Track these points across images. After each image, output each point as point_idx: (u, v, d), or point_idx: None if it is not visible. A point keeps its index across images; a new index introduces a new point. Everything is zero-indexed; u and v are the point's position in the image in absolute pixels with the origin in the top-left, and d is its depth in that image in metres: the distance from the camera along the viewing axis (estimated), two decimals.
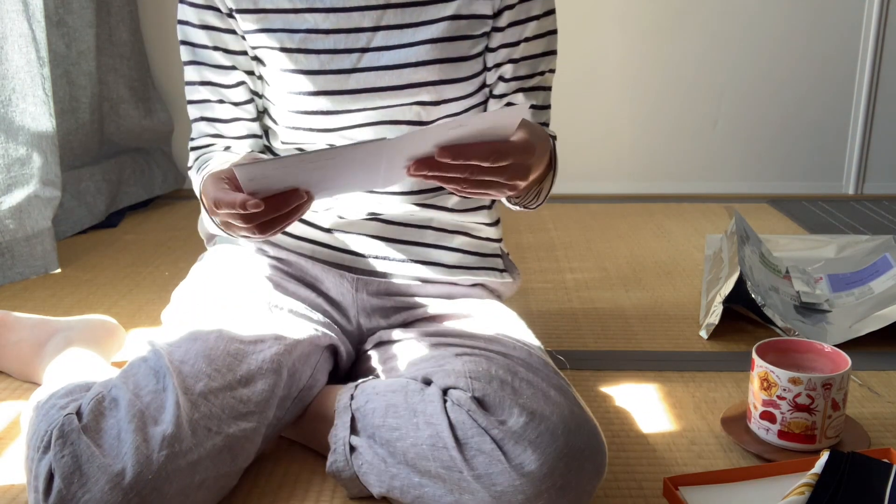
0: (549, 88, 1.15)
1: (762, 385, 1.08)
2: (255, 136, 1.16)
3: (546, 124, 1.16)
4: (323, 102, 1.06)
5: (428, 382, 0.96)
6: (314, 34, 1.05)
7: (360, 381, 1.03)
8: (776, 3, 2.36)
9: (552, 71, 1.14)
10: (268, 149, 1.18)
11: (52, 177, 1.82)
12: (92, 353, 1.23)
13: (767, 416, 1.08)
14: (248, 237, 0.89)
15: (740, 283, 1.45)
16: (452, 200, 1.15)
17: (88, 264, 1.88)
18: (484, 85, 1.12)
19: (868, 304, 1.51)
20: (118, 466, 0.85)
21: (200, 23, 1.07)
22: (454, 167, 0.82)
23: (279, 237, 1.16)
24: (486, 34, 1.08)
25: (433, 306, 1.15)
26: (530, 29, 1.08)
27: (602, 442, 0.91)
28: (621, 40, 2.40)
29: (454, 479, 0.89)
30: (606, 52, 2.40)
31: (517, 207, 1.13)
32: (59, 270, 1.83)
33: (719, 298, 1.47)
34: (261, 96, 1.13)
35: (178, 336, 1.01)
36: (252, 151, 1.16)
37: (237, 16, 1.06)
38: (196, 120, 1.14)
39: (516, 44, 1.09)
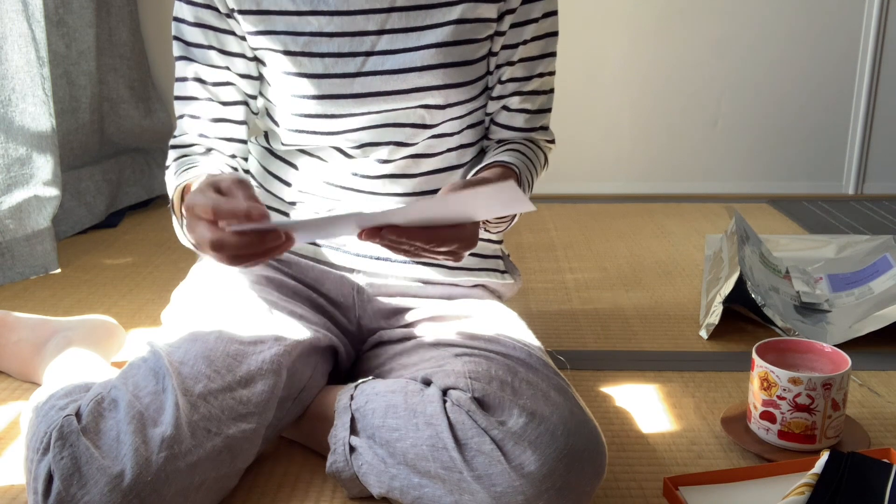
0: (549, 92, 1.15)
1: (762, 385, 1.08)
2: (240, 141, 1.13)
3: (543, 128, 1.15)
4: (326, 106, 1.05)
5: (428, 383, 0.96)
6: (318, 37, 1.04)
7: (359, 381, 1.02)
8: (776, 4, 2.36)
9: (552, 73, 1.14)
10: (269, 151, 1.17)
11: (52, 177, 1.82)
12: (92, 354, 1.23)
13: (767, 416, 1.08)
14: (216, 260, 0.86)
15: (740, 283, 1.45)
16: None
17: (88, 264, 1.88)
18: (487, 87, 1.11)
19: (868, 304, 1.51)
20: (117, 468, 0.85)
21: (197, 21, 1.06)
22: (397, 243, 0.85)
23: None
24: (490, 37, 1.08)
25: (433, 307, 1.15)
26: (529, 31, 1.08)
27: (602, 443, 0.91)
28: (621, 41, 2.40)
29: (454, 480, 0.89)
30: (606, 52, 2.40)
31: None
32: (59, 270, 1.83)
33: (719, 298, 1.47)
34: (255, 98, 1.12)
35: (178, 337, 1.01)
36: (236, 160, 1.14)
37: (238, 17, 1.05)
38: (181, 117, 1.11)
39: (515, 46, 1.08)
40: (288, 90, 1.06)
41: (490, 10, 1.05)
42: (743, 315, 1.52)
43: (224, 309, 1.06)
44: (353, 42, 1.04)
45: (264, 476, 1.04)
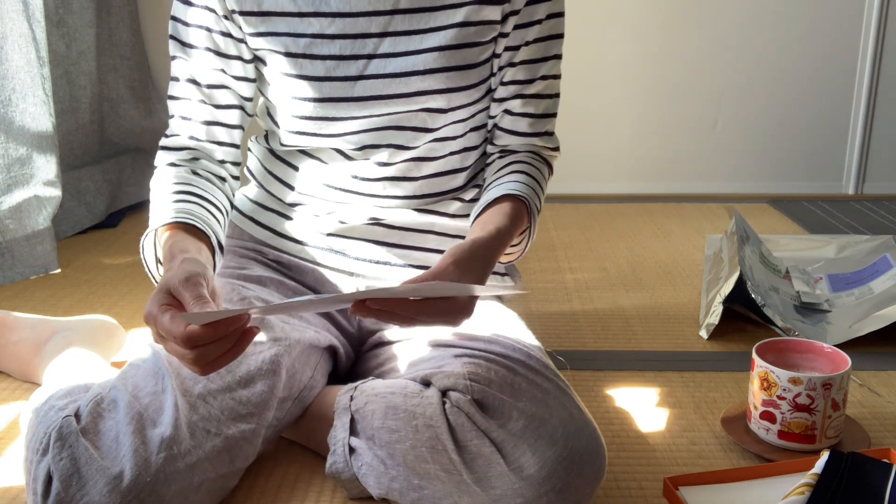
0: (554, 96, 1.12)
1: (762, 385, 1.08)
2: (231, 144, 1.11)
3: (548, 133, 1.14)
4: (327, 109, 1.04)
5: (427, 384, 0.96)
6: (319, 39, 1.02)
7: (359, 382, 1.02)
8: (776, 4, 2.36)
9: (556, 77, 1.12)
10: (269, 151, 1.17)
11: (52, 177, 1.82)
12: (91, 354, 1.23)
13: (767, 416, 1.08)
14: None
15: (740, 283, 1.45)
16: (454, 206, 1.14)
17: (88, 264, 1.88)
18: (490, 90, 1.11)
19: (868, 304, 1.50)
20: (116, 469, 0.85)
21: (194, 21, 1.05)
22: (384, 314, 0.84)
23: (280, 241, 1.16)
24: (494, 40, 1.07)
25: None
26: (532, 32, 1.06)
27: (601, 445, 0.90)
28: (621, 40, 2.40)
29: (453, 482, 0.89)
30: (606, 52, 2.40)
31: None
32: (59, 270, 1.83)
33: (719, 298, 1.47)
34: (250, 100, 1.11)
35: None
36: (226, 166, 1.11)
37: (238, 18, 1.03)
38: (172, 116, 1.10)
39: (517, 48, 1.07)
40: (288, 92, 1.05)
41: (494, 13, 1.04)
42: (743, 315, 1.52)
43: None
44: (355, 44, 1.03)
45: (264, 476, 1.04)
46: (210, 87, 1.07)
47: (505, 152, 1.13)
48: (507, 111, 1.11)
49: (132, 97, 2.29)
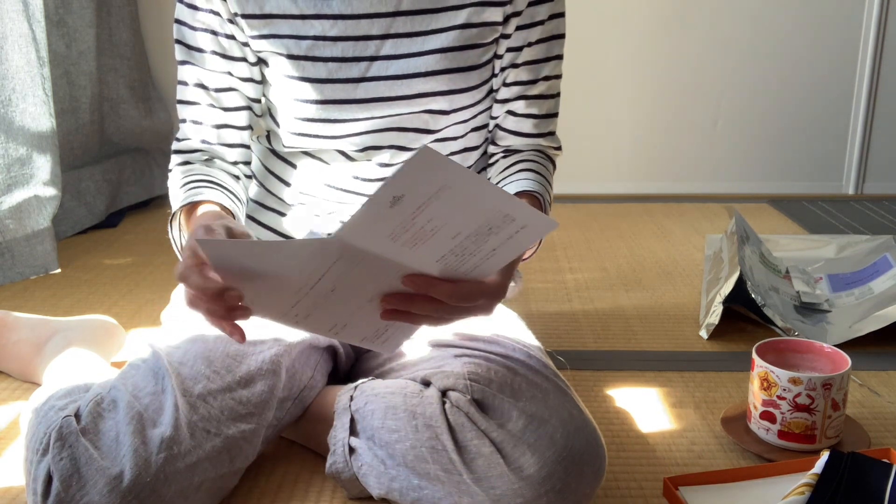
0: (556, 96, 1.13)
1: (762, 385, 1.08)
2: (243, 146, 1.12)
3: (552, 133, 1.14)
4: (329, 111, 1.04)
5: (427, 384, 0.96)
6: (322, 41, 1.02)
7: (359, 382, 1.02)
8: (777, 4, 2.36)
9: (558, 77, 1.12)
10: (271, 152, 1.17)
11: (52, 177, 1.82)
12: (91, 354, 1.23)
13: (767, 416, 1.08)
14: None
15: (740, 283, 1.45)
16: None
17: (88, 264, 1.88)
18: (492, 90, 1.11)
19: (868, 304, 1.50)
20: (116, 469, 0.85)
21: (198, 25, 1.05)
22: (418, 303, 0.80)
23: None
24: (496, 41, 1.07)
25: None
26: (535, 33, 1.07)
27: (601, 445, 0.90)
28: (622, 40, 2.40)
29: (453, 482, 0.89)
30: (606, 52, 2.40)
31: None
32: (59, 270, 1.83)
33: (719, 298, 1.47)
34: (258, 101, 1.12)
35: (178, 337, 1.01)
36: (238, 167, 1.13)
37: (241, 21, 1.03)
38: (183, 121, 1.11)
39: (519, 49, 1.07)
40: (290, 94, 1.05)
41: (496, 14, 1.04)
42: (743, 315, 1.52)
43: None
44: (357, 46, 1.03)
45: (264, 476, 1.04)
46: (218, 90, 1.08)
47: (509, 152, 1.13)
48: (510, 112, 1.11)
49: (132, 97, 2.29)
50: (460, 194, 0.70)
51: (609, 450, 1.09)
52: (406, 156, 1.08)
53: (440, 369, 0.97)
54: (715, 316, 1.46)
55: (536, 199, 1.03)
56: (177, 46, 1.07)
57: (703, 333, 1.47)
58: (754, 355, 1.10)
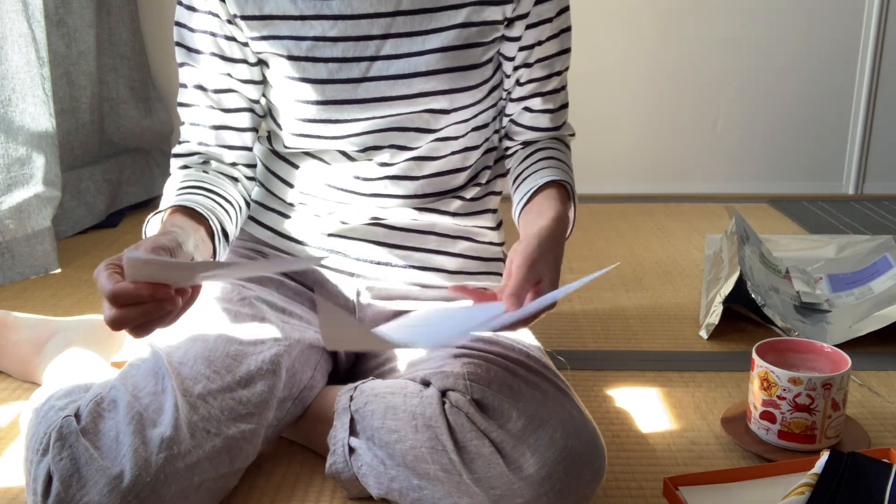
0: (566, 87, 1.15)
1: (762, 385, 1.08)
2: (243, 147, 1.11)
3: (566, 123, 1.16)
4: (330, 111, 1.04)
5: (427, 384, 0.96)
6: (322, 42, 1.02)
7: (359, 382, 1.02)
8: (776, 4, 2.36)
9: (567, 69, 1.14)
10: (273, 152, 1.17)
11: (52, 177, 1.82)
12: (91, 354, 1.23)
13: (767, 416, 1.08)
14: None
15: (740, 283, 1.45)
16: (455, 205, 1.14)
17: (88, 264, 1.88)
18: (493, 89, 1.11)
19: (868, 304, 1.50)
20: (116, 469, 0.85)
21: (198, 27, 1.05)
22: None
23: (281, 241, 1.16)
24: (498, 40, 1.07)
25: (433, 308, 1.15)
26: (546, 31, 1.07)
27: (601, 445, 0.90)
28: (621, 40, 2.40)
29: (453, 482, 0.89)
30: (606, 52, 2.40)
31: None
32: (59, 270, 1.83)
33: (719, 298, 1.47)
34: (257, 102, 1.12)
35: (178, 337, 1.01)
36: (238, 168, 1.13)
37: (241, 23, 1.03)
38: (183, 124, 1.11)
39: (531, 47, 1.07)
40: (291, 95, 1.05)
41: (496, 13, 1.04)
42: (743, 315, 1.52)
43: (223, 309, 1.06)
44: (358, 47, 1.03)
45: (264, 476, 1.04)
46: (217, 91, 1.08)
47: (527, 143, 1.14)
48: (527, 109, 1.12)
49: (132, 97, 2.29)
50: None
51: (609, 450, 1.09)
52: (407, 154, 1.08)
53: (440, 369, 0.97)
54: (715, 316, 1.46)
55: (564, 188, 1.04)
56: (177, 49, 1.07)
57: (703, 333, 1.47)
58: (754, 355, 1.10)
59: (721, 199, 2.42)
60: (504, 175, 1.19)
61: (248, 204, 1.15)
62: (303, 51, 1.03)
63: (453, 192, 1.14)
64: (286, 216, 1.16)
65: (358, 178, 1.10)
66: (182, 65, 1.08)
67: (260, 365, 0.98)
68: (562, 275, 1.79)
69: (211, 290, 1.10)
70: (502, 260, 1.23)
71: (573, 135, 1.18)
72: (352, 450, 0.96)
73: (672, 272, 1.80)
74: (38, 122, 1.77)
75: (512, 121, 1.14)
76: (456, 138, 1.10)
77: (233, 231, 1.06)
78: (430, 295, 1.16)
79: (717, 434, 1.15)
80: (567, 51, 1.11)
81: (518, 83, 1.10)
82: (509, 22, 1.05)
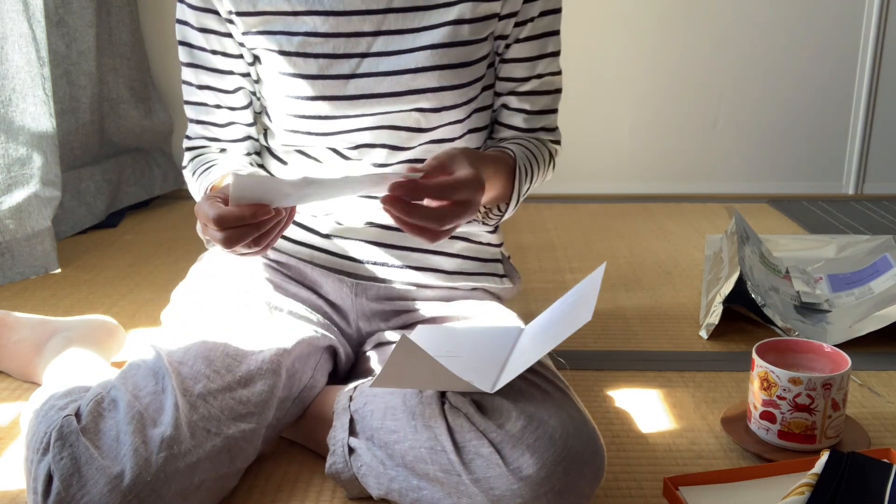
0: (553, 92, 1.14)
1: (762, 385, 1.08)
2: (251, 138, 1.16)
3: (547, 129, 1.15)
4: (321, 107, 1.05)
5: None
6: (313, 38, 1.03)
7: (359, 381, 1.02)
8: (776, 4, 2.36)
9: (555, 73, 1.13)
10: (267, 149, 1.17)
11: (52, 177, 1.82)
12: (92, 354, 1.23)
13: (767, 416, 1.08)
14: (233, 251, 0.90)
15: (740, 283, 1.45)
16: None
17: (88, 264, 1.88)
18: (487, 89, 1.11)
19: (868, 304, 1.50)
20: (117, 468, 0.85)
21: (199, 25, 1.06)
22: (414, 212, 0.86)
23: (279, 242, 1.16)
24: (490, 38, 1.07)
25: (432, 308, 1.15)
26: (525, 30, 1.08)
27: (601, 446, 0.90)
28: (622, 40, 2.40)
29: (452, 483, 0.88)
30: (606, 52, 2.40)
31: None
32: (59, 270, 1.83)
33: (719, 298, 1.47)
34: (258, 97, 1.13)
35: (178, 337, 1.01)
36: (251, 157, 1.16)
37: (237, 18, 1.05)
38: (191, 121, 1.14)
39: (511, 45, 1.09)
40: (283, 90, 1.06)
41: (490, 9, 1.04)
42: (743, 315, 1.52)
43: (223, 309, 1.06)
44: (349, 43, 1.03)
45: (264, 476, 1.04)
46: (223, 90, 1.10)
47: (503, 140, 1.14)
48: (504, 105, 1.13)
49: (132, 97, 2.29)
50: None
51: (609, 450, 1.09)
52: (402, 156, 1.08)
53: None
54: (715, 316, 1.46)
55: (507, 155, 1.04)
56: (180, 48, 1.09)
57: (703, 333, 1.47)
58: (754, 355, 1.10)
59: (721, 199, 2.42)
60: None
61: None
62: (294, 46, 1.03)
63: None
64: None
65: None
66: (185, 63, 1.09)
67: (260, 365, 0.98)
68: (561, 275, 1.79)
69: (211, 290, 1.11)
70: (500, 261, 1.23)
71: (557, 142, 1.17)
72: (351, 450, 0.96)
73: (672, 272, 1.80)
74: (38, 122, 1.77)
75: (495, 119, 1.15)
76: (452, 140, 1.10)
77: None
78: (429, 294, 1.16)
79: (717, 434, 1.15)
80: (552, 55, 1.11)
81: (498, 77, 1.11)
82: (502, 18, 1.06)
